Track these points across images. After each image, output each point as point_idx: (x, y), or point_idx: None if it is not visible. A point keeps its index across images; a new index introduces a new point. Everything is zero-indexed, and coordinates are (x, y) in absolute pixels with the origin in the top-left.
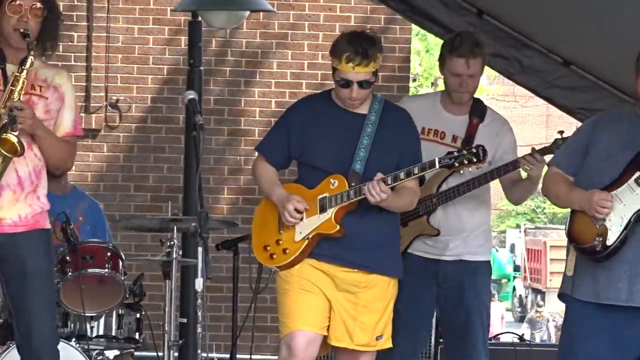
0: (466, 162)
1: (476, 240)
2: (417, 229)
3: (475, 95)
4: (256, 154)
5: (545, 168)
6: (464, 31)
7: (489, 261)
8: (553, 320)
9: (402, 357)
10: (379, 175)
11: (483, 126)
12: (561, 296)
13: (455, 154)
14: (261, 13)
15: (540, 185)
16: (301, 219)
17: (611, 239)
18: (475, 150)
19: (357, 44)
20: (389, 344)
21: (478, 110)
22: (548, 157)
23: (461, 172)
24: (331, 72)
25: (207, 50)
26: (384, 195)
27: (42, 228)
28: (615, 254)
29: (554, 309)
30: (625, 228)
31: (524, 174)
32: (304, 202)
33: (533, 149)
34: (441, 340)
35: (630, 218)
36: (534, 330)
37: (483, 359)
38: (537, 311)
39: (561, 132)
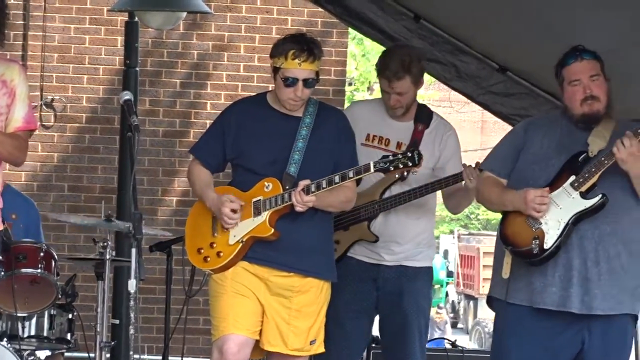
0: (401, 165)
1: (417, 247)
2: (357, 234)
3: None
4: (191, 156)
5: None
6: (397, 45)
7: (429, 267)
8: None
9: None
10: (301, 184)
11: (428, 132)
12: (490, 301)
13: (391, 157)
14: (198, 15)
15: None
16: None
17: (549, 242)
18: (410, 154)
19: (302, 42)
20: (322, 349)
21: (422, 116)
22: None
23: (406, 174)
24: (268, 75)
25: (143, 52)
26: (309, 203)
27: None
28: (552, 257)
29: (487, 315)
30: (562, 232)
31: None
32: (237, 200)
33: (477, 163)
34: (373, 345)
35: (568, 222)
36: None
37: None
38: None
39: None
